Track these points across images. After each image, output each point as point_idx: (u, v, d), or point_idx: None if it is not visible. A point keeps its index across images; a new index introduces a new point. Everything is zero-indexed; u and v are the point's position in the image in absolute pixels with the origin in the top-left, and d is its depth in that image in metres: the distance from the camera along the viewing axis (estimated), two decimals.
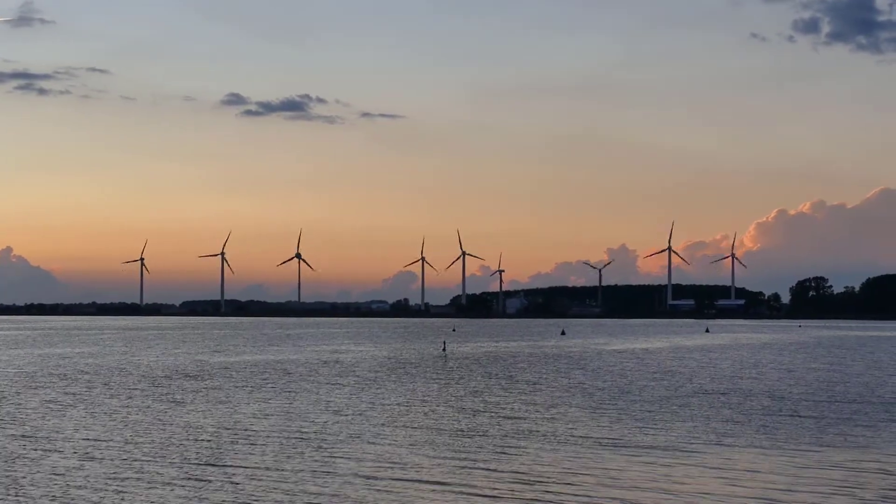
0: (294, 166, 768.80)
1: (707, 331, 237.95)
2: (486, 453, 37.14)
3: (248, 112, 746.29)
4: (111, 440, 40.61)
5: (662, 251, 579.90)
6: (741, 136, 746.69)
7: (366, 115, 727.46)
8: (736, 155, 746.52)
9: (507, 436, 42.11)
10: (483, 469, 33.79)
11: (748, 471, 33.54)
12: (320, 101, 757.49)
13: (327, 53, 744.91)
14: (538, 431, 43.57)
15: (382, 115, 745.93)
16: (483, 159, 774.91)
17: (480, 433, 42.95)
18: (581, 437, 41.82)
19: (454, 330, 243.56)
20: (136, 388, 66.31)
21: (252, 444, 39.59)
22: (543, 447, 38.76)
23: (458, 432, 43.20)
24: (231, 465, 34.47)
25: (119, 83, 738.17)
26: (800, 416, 49.78)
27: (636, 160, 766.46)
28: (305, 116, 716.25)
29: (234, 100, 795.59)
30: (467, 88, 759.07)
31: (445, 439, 41.02)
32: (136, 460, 35.53)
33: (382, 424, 46.02)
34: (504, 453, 37.18)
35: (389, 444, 39.38)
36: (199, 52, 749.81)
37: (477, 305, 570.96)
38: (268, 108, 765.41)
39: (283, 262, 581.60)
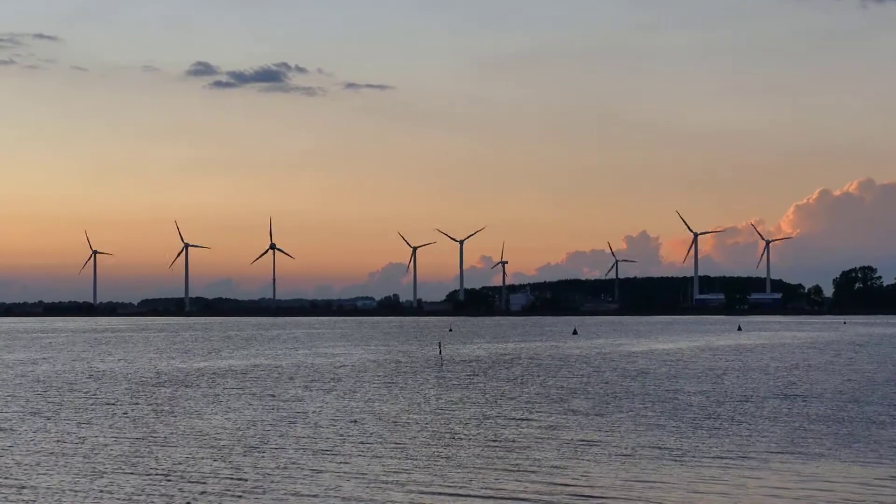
0: (269, 145, 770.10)
1: (739, 329, 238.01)
2: (483, 472, 36.90)
3: (218, 83, 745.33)
4: (61, 459, 40.28)
5: (688, 239, 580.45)
6: (778, 107, 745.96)
7: (351, 85, 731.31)
8: (772, 129, 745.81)
9: (511, 457, 41.87)
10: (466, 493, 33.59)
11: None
12: (300, 70, 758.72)
13: (307, 16, 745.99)
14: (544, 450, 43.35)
15: (369, 86, 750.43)
16: (483, 136, 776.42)
17: (481, 454, 42.67)
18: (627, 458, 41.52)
19: (451, 330, 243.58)
20: (90, 401, 66.00)
21: (219, 460, 39.26)
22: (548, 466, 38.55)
23: (454, 450, 42.94)
24: (191, 481, 34.20)
25: (70, 52, 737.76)
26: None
27: (658, 137, 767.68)
28: (282, 88, 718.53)
29: (202, 70, 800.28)
30: (465, 56, 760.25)
31: (440, 457, 40.75)
32: (89, 485, 35.20)
33: (362, 442, 45.69)
34: (506, 474, 36.95)
35: (372, 460, 39.11)
36: (162, 16, 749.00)
37: (476, 302, 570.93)
38: (240, 78, 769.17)
39: (258, 258, 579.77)
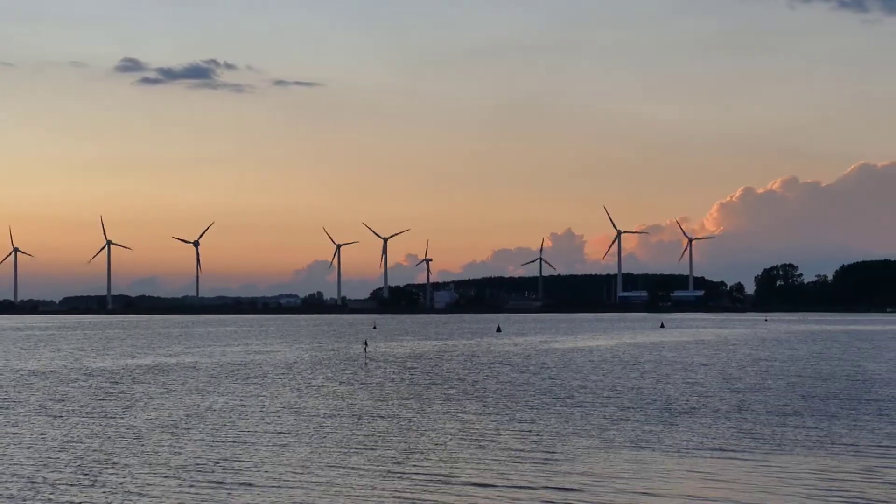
0: (196, 142, 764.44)
1: (662, 326, 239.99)
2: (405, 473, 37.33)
3: (146, 80, 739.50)
4: None
5: (612, 236, 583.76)
6: (703, 104, 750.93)
7: (279, 82, 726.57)
8: (697, 126, 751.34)
9: (440, 451, 42.29)
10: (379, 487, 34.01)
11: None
12: (229, 66, 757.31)
13: (237, 13, 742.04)
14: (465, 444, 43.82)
15: (298, 83, 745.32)
16: (410, 133, 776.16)
17: (411, 450, 43.07)
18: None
19: (375, 327, 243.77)
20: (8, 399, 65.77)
21: (127, 464, 39.42)
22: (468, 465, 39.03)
23: (376, 447, 43.31)
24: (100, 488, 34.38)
25: None
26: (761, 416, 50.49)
27: (583, 133, 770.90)
28: (211, 84, 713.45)
29: (130, 66, 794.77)
30: (393, 53, 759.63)
31: (365, 457, 41.12)
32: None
33: (283, 445, 45.95)
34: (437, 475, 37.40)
35: (290, 458, 39.40)
36: (89, 11, 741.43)
37: (401, 299, 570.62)
38: (169, 74, 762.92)
39: (182, 241, 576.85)
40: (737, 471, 36.76)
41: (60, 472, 37.21)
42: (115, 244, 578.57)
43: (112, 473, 36.76)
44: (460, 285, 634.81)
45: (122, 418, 54.12)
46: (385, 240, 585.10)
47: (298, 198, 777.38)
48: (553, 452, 40.99)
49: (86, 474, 36.64)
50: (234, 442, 44.62)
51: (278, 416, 54.23)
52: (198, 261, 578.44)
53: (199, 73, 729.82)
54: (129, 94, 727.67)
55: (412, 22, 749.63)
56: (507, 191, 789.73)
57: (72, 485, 34.78)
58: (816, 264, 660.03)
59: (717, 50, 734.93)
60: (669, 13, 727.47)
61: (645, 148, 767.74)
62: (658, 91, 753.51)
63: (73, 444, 44.42)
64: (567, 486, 34.10)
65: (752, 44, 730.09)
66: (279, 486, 34.27)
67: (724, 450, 41.56)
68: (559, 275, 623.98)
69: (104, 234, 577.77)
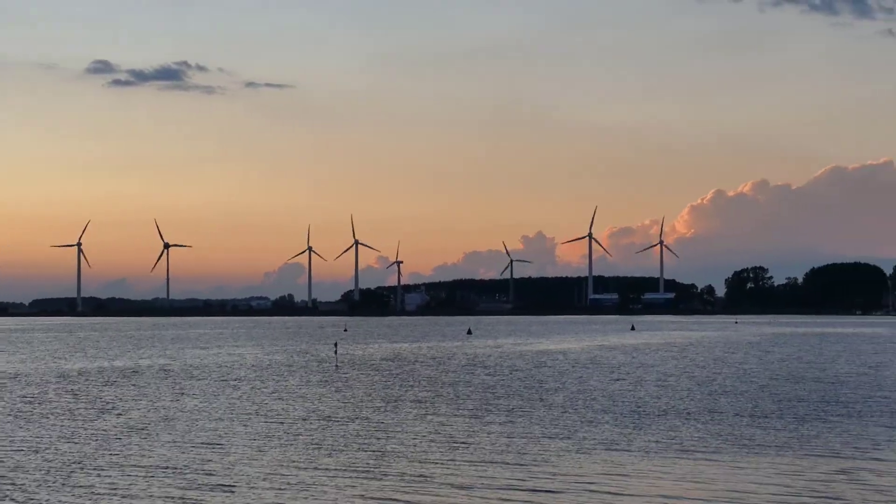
0: (167, 143, 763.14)
1: (633, 328, 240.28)
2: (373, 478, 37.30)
3: (117, 82, 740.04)
4: None
5: (583, 239, 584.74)
6: (674, 108, 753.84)
7: (250, 84, 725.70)
8: (668, 129, 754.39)
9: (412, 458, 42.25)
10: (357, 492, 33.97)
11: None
12: (200, 68, 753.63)
13: (208, 15, 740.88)
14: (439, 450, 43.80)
15: (268, 85, 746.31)
16: (381, 136, 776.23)
17: (383, 455, 43.03)
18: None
19: (346, 329, 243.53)
20: None
21: (98, 466, 39.28)
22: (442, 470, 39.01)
23: (348, 450, 43.26)
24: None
25: None
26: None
27: (555, 137, 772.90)
28: (182, 86, 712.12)
29: (102, 67, 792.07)
30: (365, 55, 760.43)
31: (337, 461, 41.05)
32: None
33: (255, 448, 45.84)
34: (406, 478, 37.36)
35: (262, 460, 39.31)
36: (61, 12, 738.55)
37: (372, 302, 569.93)
38: (140, 76, 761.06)
39: (155, 264, 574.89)
40: (710, 472, 36.77)
41: (30, 473, 36.99)
42: (70, 245, 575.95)
43: (82, 475, 36.56)
44: (431, 288, 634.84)
45: (94, 420, 53.88)
46: (356, 242, 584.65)
47: (269, 200, 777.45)
48: (525, 454, 40.94)
49: (56, 476, 36.43)
50: (205, 444, 44.45)
51: (249, 419, 54.06)
52: (168, 261, 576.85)
53: (169, 75, 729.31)
54: (100, 95, 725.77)
55: (378, 24, 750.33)
56: (478, 193, 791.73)
57: (41, 486, 34.58)
58: (787, 267, 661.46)
59: (687, 53, 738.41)
60: (642, 17, 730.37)
61: (616, 151, 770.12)
62: (628, 95, 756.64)
63: (44, 446, 44.18)
64: (541, 487, 34.05)
65: (723, 47, 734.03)
66: (251, 488, 34.14)
67: (697, 451, 41.59)
68: (530, 277, 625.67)
69: (80, 237, 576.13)
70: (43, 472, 37.45)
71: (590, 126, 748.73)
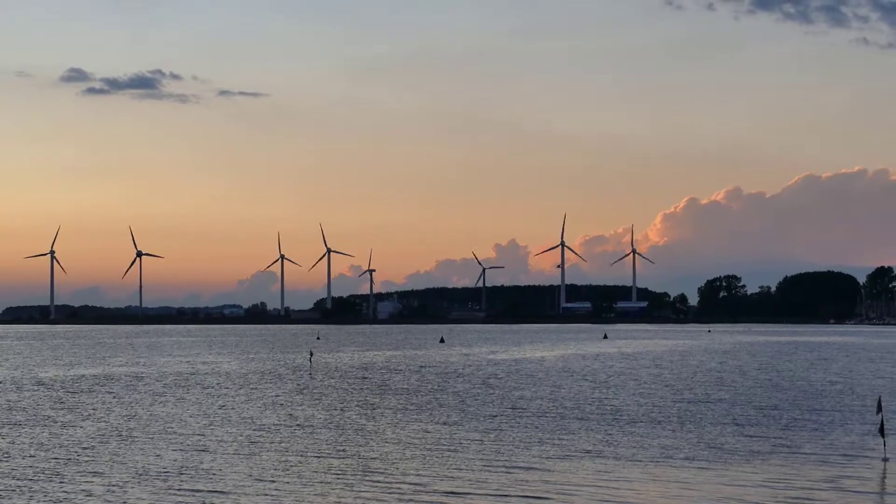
0: (141, 152, 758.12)
1: (605, 337, 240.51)
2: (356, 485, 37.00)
3: (92, 90, 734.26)
4: None
5: (555, 247, 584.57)
6: (647, 116, 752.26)
7: (224, 92, 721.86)
8: (640, 137, 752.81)
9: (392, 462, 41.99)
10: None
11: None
12: (174, 77, 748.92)
13: (182, 24, 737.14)
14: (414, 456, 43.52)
15: (242, 93, 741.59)
16: (354, 143, 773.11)
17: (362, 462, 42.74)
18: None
19: (319, 338, 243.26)
20: None
21: (69, 473, 38.90)
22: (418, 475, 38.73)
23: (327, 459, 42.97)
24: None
25: None
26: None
27: (527, 144, 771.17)
28: (156, 95, 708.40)
29: (76, 76, 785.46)
30: (339, 62, 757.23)
31: (316, 470, 40.76)
32: None
33: (230, 454, 45.53)
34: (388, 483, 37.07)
35: (237, 467, 38.98)
36: (35, 21, 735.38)
37: (344, 310, 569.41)
38: (114, 85, 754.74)
39: (127, 270, 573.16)
40: (693, 479, 36.64)
41: (1, 480, 36.62)
42: (44, 253, 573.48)
43: (56, 483, 36.22)
44: (404, 296, 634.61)
45: (69, 428, 53.50)
46: (328, 251, 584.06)
47: (243, 208, 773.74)
48: (505, 461, 40.78)
49: (27, 483, 36.06)
50: (181, 450, 44.15)
51: (225, 426, 53.75)
52: (140, 269, 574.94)
53: (144, 84, 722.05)
54: (74, 104, 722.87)
55: (352, 31, 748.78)
56: (451, 201, 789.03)
57: (14, 492, 34.21)
58: (760, 275, 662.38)
59: (660, 61, 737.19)
60: (612, 24, 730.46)
61: (589, 159, 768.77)
62: (602, 102, 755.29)
63: (17, 453, 43.79)
64: (531, 493, 33.86)
65: (697, 54, 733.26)
66: (227, 494, 33.83)
67: (676, 458, 41.46)
68: (503, 285, 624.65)
69: (52, 244, 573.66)
70: (14, 479, 37.07)
71: (562, 134, 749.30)
